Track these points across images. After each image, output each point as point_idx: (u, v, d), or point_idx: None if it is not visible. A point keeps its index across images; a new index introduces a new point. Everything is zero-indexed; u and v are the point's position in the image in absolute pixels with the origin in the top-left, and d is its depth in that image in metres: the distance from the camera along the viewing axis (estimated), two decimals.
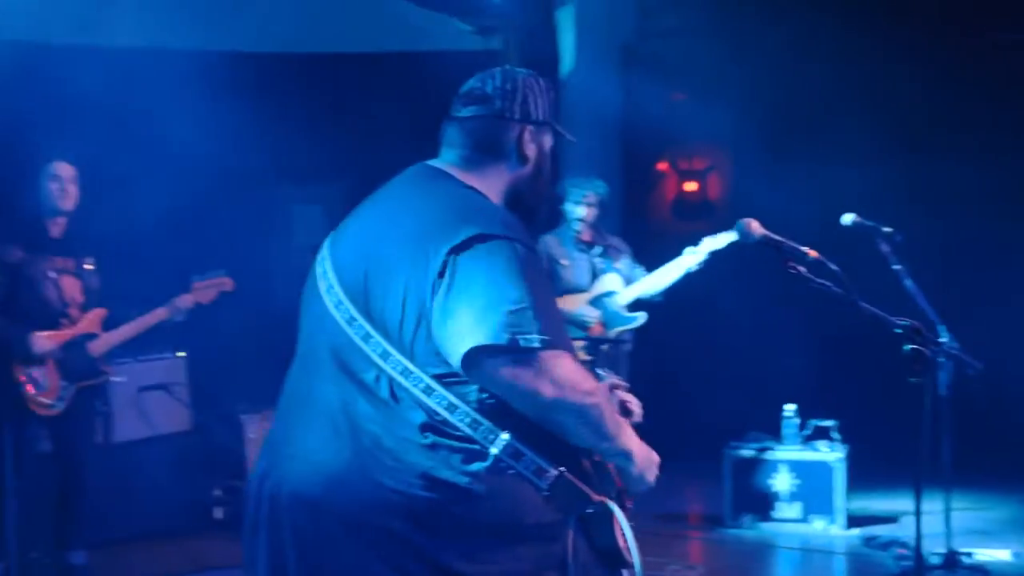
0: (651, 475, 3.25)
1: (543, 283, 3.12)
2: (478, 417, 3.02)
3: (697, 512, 9.02)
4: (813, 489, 8.21)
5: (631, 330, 7.91)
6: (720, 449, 8.42)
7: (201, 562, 7.34)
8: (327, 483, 3.08)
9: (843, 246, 6.94)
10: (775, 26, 10.62)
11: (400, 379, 3.05)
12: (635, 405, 3.47)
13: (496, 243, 3.04)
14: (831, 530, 8.12)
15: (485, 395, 3.03)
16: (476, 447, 3.02)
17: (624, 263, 7.96)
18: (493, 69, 3.43)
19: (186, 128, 9.07)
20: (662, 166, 12.13)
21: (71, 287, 6.72)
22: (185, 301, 6.95)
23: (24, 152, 7.10)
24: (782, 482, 8.27)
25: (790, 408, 8.44)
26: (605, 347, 7.69)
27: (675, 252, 7.62)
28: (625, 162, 11.55)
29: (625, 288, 7.84)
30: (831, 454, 8.18)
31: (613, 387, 3.47)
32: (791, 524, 8.21)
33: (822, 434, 8.34)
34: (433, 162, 3.39)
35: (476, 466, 3.02)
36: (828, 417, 8.38)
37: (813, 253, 3.80)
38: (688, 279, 7.62)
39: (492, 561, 3.02)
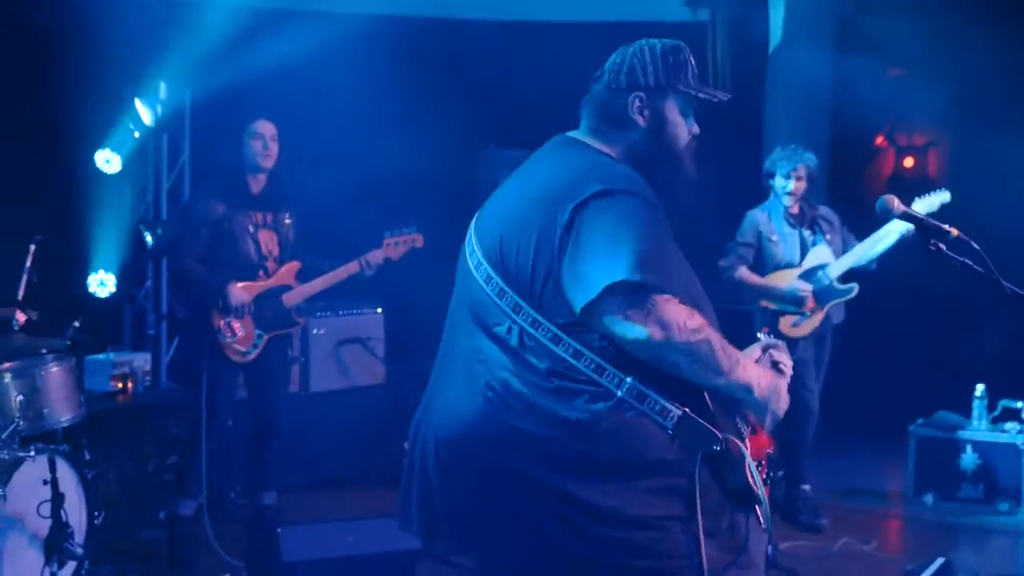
0: (777, 403, 3.38)
1: (660, 232, 3.27)
2: (602, 363, 3.23)
3: (879, 488, 8.92)
4: (999, 471, 8.11)
5: (844, 302, 7.83)
6: (907, 427, 8.37)
7: (383, 510, 7.59)
8: (465, 426, 3.34)
9: None
10: (1000, 5, 10.37)
11: (530, 329, 3.29)
12: (787, 366, 3.57)
13: (615, 197, 3.25)
14: (1015, 513, 8.01)
15: (606, 343, 3.21)
16: (601, 390, 3.21)
17: (835, 235, 7.88)
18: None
19: (394, 92, 9.36)
20: (880, 141, 11.96)
21: (268, 241, 7.01)
22: (376, 256, 7.15)
23: (228, 111, 7.42)
24: (967, 462, 8.18)
25: (980, 388, 8.33)
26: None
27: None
28: (836, 137, 11.42)
29: (836, 260, 7.76)
30: (1019, 436, 8.05)
31: (767, 347, 3.59)
32: (974, 505, 8.13)
33: (1012, 416, 8.21)
34: (571, 132, 3.63)
35: (600, 405, 3.21)
36: (1020, 398, 8.24)
37: (955, 232, 3.78)
38: (898, 250, 7.54)
39: (616, 495, 3.20)
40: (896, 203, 3.79)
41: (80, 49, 8.21)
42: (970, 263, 4.05)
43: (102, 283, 8.81)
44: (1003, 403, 8.25)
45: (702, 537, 3.26)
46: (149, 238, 8.90)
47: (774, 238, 7.79)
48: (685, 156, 3.60)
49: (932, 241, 3.76)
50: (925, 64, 10.79)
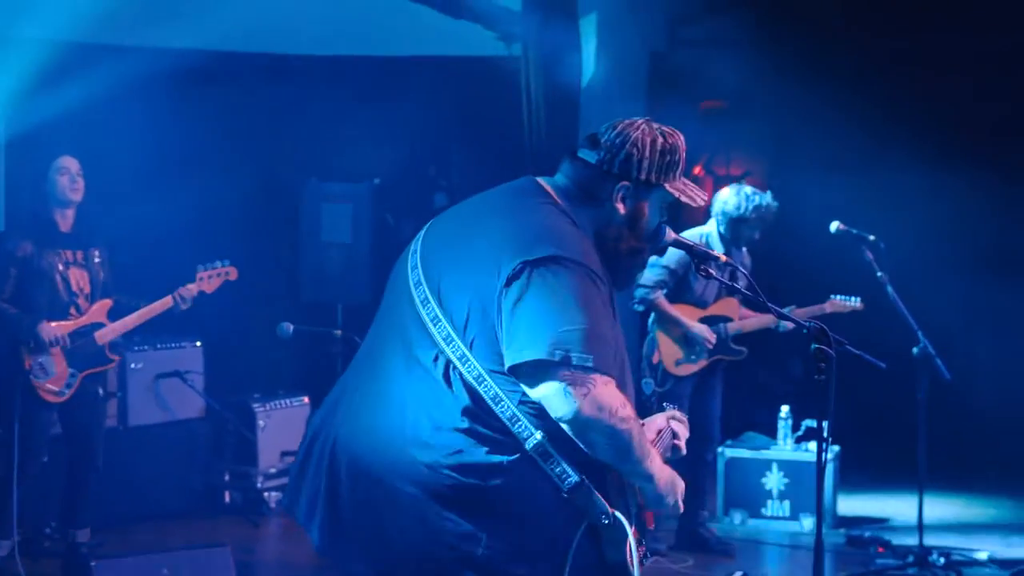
0: (671, 498, 3.44)
1: (603, 311, 3.30)
2: (518, 413, 3.24)
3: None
4: (803, 488, 8.42)
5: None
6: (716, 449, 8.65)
7: (204, 540, 7.61)
8: (368, 444, 3.37)
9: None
10: (807, 35, 10.76)
11: (457, 363, 3.28)
12: (681, 441, 3.66)
13: (568, 266, 3.25)
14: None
15: (526, 397, 3.24)
16: (509, 440, 3.25)
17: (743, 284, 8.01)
18: (629, 120, 3.50)
19: (209, 127, 9.42)
20: (697, 171, 12.27)
21: (79, 278, 7.01)
22: (189, 291, 7.14)
23: (41, 147, 7.42)
24: (772, 481, 8.49)
25: (785, 410, 8.66)
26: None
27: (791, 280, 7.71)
28: None
29: (738, 320, 7.88)
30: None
31: (671, 418, 3.68)
32: (780, 522, 8.45)
33: (814, 435, 8.52)
34: (542, 180, 3.55)
35: (504, 457, 3.25)
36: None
37: (724, 257, 3.90)
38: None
39: (492, 547, 3.25)
40: (668, 231, 3.87)
41: None
42: (738, 287, 4.29)
43: None
44: (806, 423, 8.57)
45: None
46: None
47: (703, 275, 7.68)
48: (646, 249, 3.60)
49: (702, 266, 3.88)
50: (739, 96, 11.14)
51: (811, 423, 8.52)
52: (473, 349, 3.27)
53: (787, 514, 8.44)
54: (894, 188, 10.22)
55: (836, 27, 10.68)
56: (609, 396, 3.20)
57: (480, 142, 10.40)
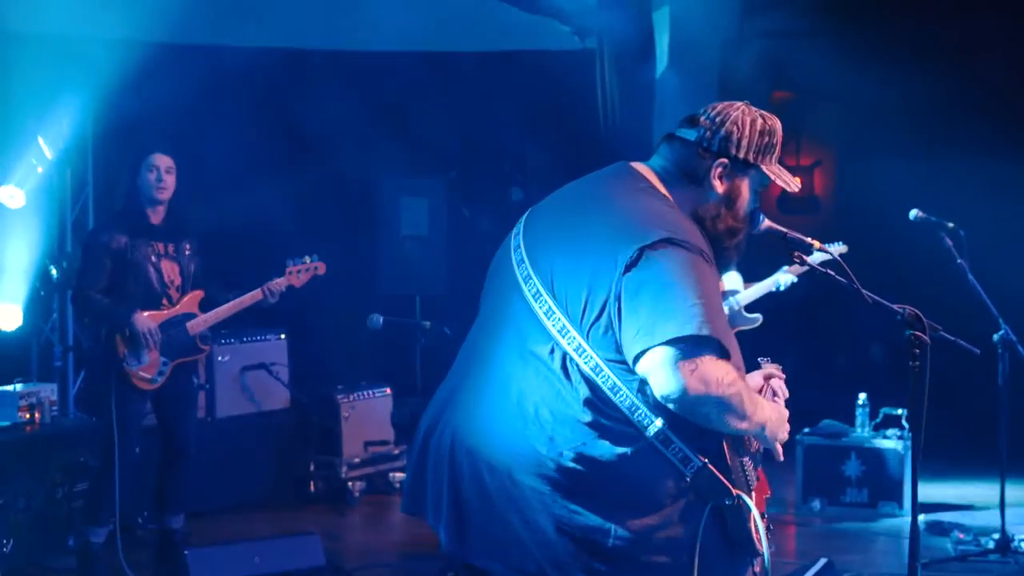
0: (783, 433, 3.50)
1: (716, 287, 3.37)
2: (637, 401, 3.27)
3: (773, 495, 9.24)
4: (882, 475, 8.47)
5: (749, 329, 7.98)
6: (794, 436, 8.70)
7: (289, 530, 7.76)
8: (488, 439, 3.40)
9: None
10: (876, 23, 10.75)
11: (574, 355, 3.31)
12: (783, 393, 3.74)
13: (683, 246, 3.31)
14: (898, 515, 8.35)
15: (645, 384, 3.27)
16: (630, 430, 3.29)
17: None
18: (728, 101, 3.60)
19: (296, 123, 9.57)
20: None
21: (170, 270, 7.16)
22: (278, 284, 7.28)
23: (130, 143, 7.59)
24: (852, 468, 8.53)
25: (862, 397, 8.69)
26: None
27: (779, 246, 7.80)
28: None
29: (745, 290, 7.94)
30: (900, 441, 8.40)
31: (768, 376, 3.76)
32: (859, 509, 8.48)
33: (893, 422, 8.56)
34: (637, 164, 3.61)
35: (626, 449, 3.29)
36: (900, 405, 8.58)
37: (817, 244, 3.93)
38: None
39: (620, 536, 3.29)
40: (764, 219, 3.92)
41: None
42: (832, 273, 4.31)
43: (8, 316, 8.88)
44: (884, 410, 8.60)
45: None
46: (54, 271, 9.01)
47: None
48: (743, 230, 3.65)
49: (795, 253, 3.93)
50: (809, 86, 11.15)
51: (889, 410, 8.56)
52: (590, 339, 3.30)
53: (866, 501, 8.49)
54: (965, 173, 10.19)
55: (904, 13, 10.66)
56: (715, 369, 3.20)
57: (555, 136, 10.48)
